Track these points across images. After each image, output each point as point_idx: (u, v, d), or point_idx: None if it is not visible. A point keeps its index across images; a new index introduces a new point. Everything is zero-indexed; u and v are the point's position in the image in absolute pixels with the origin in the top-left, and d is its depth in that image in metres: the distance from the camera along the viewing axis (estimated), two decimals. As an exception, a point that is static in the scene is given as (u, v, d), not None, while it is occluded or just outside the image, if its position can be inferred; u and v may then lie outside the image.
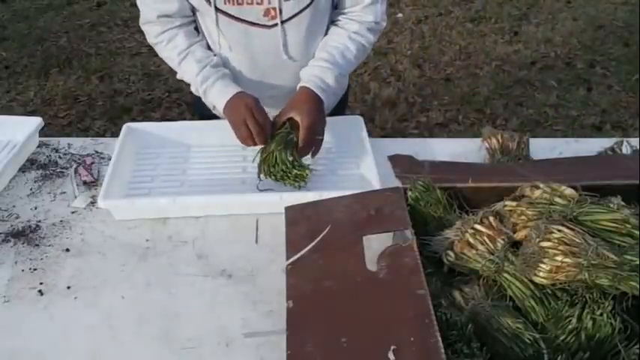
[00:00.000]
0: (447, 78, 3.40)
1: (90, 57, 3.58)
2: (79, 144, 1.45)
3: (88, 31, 3.89)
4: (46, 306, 1.03)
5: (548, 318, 0.84)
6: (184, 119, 2.95)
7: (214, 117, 1.50)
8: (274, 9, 1.24)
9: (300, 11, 1.27)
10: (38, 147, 1.43)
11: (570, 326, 0.81)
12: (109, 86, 3.29)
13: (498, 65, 3.51)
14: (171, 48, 1.33)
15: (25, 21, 3.98)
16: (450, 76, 3.41)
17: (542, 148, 1.37)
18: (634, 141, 1.33)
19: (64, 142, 1.45)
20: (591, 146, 1.37)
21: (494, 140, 1.33)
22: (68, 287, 1.06)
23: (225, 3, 1.24)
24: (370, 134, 1.37)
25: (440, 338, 0.73)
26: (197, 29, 1.38)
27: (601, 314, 0.81)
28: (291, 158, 1.20)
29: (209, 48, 1.38)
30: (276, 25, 1.27)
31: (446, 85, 3.33)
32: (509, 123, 3.00)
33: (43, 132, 1.44)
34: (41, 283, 1.07)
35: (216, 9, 1.25)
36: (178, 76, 1.38)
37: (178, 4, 1.28)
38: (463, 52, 3.65)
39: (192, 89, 1.36)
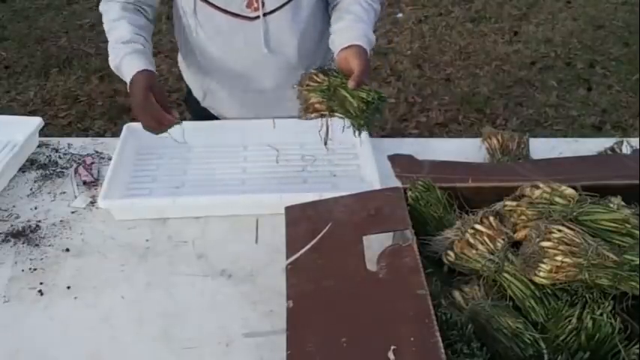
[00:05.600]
0: (447, 78, 3.40)
1: (90, 57, 3.58)
2: (79, 144, 1.45)
3: (88, 31, 3.88)
4: (46, 306, 1.03)
5: (548, 318, 0.84)
6: (184, 119, 2.96)
7: (205, 111, 1.50)
8: (257, 0, 1.24)
9: (283, 5, 1.26)
10: (38, 147, 1.43)
11: (570, 326, 0.81)
12: (109, 86, 3.29)
13: (498, 65, 3.51)
14: (106, 19, 1.28)
15: (25, 21, 3.98)
16: (450, 76, 3.41)
17: (542, 148, 1.37)
18: (634, 141, 1.33)
19: (64, 142, 1.45)
20: (591, 146, 1.37)
21: (494, 140, 1.33)
22: (68, 287, 1.06)
23: None
24: (370, 134, 1.37)
25: (440, 338, 0.73)
26: (146, 17, 1.32)
27: (601, 314, 0.81)
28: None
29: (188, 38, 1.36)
30: (258, 17, 1.27)
31: (446, 85, 3.33)
32: (509, 123, 3.00)
33: (43, 132, 1.44)
34: (41, 283, 1.07)
35: None
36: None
37: None
38: (463, 52, 3.65)
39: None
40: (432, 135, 2.88)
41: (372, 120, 1.16)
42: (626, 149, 1.31)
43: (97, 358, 0.95)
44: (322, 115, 1.22)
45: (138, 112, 1.18)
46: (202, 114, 1.49)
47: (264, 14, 1.26)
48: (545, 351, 0.79)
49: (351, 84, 1.15)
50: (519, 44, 3.73)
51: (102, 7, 1.30)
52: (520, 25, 3.97)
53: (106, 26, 1.28)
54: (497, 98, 3.21)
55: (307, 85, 1.22)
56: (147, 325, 1.00)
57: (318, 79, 1.21)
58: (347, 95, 1.16)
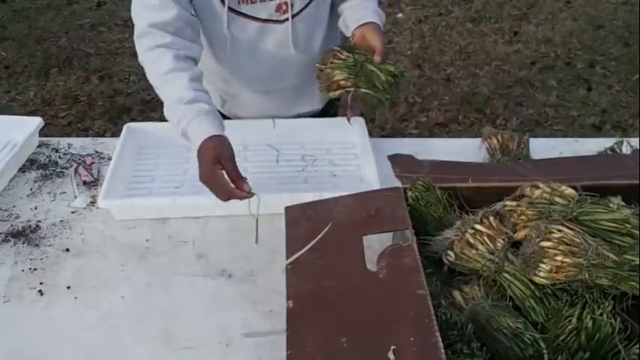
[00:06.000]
0: (447, 78, 3.39)
1: (90, 57, 3.58)
2: (79, 144, 1.45)
3: (88, 31, 3.88)
4: (46, 306, 1.03)
5: (548, 318, 0.84)
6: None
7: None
8: (286, 3, 1.25)
9: (308, 4, 1.28)
10: (38, 147, 1.43)
11: (570, 326, 0.81)
12: (109, 86, 3.29)
13: (498, 65, 3.51)
14: (156, 70, 1.18)
15: (25, 21, 3.98)
16: (450, 76, 3.41)
17: (542, 148, 1.37)
18: (634, 141, 1.33)
19: (64, 142, 1.45)
20: (591, 146, 1.38)
21: (494, 140, 1.33)
22: (68, 287, 1.06)
23: (239, 3, 1.23)
24: (370, 134, 1.37)
25: (440, 338, 0.73)
26: (196, 63, 1.24)
27: (601, 314, 0.81)
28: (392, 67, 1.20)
29: (216, 61, 1.35)
30: (287, 19, 1.27)
31: (446, 85, 3.33)
32: (509, 123, 3.00)
33: (43, 132, 1.44)
34: (41, 283, 1.07)
35: (230, 9, 1.23)
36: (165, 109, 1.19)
37: (176, 11, 1.17)
38: (463, 52, 3.65)
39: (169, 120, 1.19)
40: (432, 135, 2.88)
41: (395, 93, 1.22)
42: (626, 149, 1.31)
43: (97, 358, 0.95)
44: (347, 92, 1.23)
45: (205, 184, 1.09)
46: None
47: (292, 16, 1.27)
48: (545, 351, 0.79)
49: (377, 58, 1.18)
50: (519, 44, 3.73)
51: (145, 56, 1.20)
52: (520, 25, 3.96)
53: (156, 79, 1.18)
54: (497, 98, 3.21)
55: (331, 63, 1.23)
56: (147, 325, 1.00)
57: (342, 57, 1.23)
58: (375, 69, 1.19)
